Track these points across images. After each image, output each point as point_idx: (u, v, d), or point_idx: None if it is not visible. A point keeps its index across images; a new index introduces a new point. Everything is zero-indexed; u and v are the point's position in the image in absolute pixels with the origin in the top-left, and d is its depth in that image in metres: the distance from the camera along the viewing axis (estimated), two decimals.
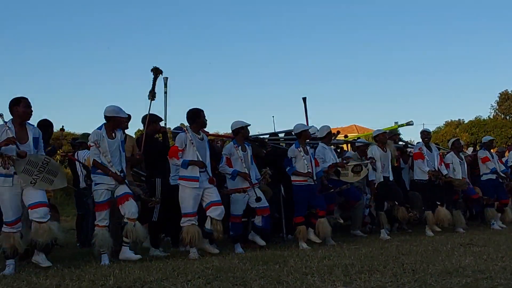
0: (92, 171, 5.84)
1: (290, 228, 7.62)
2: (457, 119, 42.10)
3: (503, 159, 10.67)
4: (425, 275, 4.32)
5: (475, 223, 9.70)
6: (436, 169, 8.42)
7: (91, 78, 61.68)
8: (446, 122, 42.48)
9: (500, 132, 36.42)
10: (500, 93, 43.43)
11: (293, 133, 7.60)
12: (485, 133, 31.00)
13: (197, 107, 6.39)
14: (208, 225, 6.12)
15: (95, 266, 5.31)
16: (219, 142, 9.26)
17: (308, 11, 67.30)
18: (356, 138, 10.85)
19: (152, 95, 6.70)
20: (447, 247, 6.21)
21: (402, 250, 6.10)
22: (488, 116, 42.07)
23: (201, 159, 6.10)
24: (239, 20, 68.99)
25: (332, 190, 7.58)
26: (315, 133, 8.25)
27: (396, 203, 8.12)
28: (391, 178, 8.20)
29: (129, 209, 5.69)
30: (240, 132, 6.83)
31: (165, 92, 7.47)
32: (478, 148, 12.60)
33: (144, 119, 6.67)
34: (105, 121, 5.86)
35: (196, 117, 6.31)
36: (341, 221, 7.98)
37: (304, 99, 9.51)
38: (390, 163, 8.30)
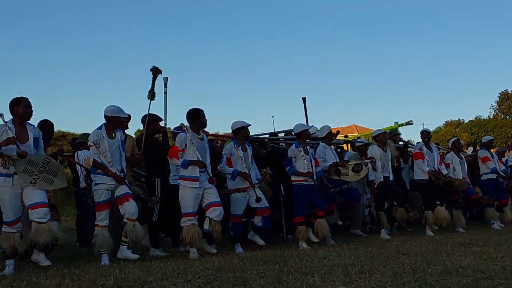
0: (92, 171, 5.84)
1: (290, 228, 7.62)
2: (457, 119, 42.24)
3: (503, 159, 10.66)
4: (425, 275, 4.32)
5: (475, 223, 9.70)
6: (436, 169, 8.42)
7: (91, 77, 61.78)
8: (446, 122, 42.62)
9: (500, 132, 36.46)
10: (500, 93, 43.54)
11: (293, 133, 7.61)
12: (485, 133, 31.04)
13: (197, 107, 6.40)
14: (206, 225, 6.12)
15: (95, 266, 5.31)
16: (219, 142, 9.27)
17: (308, 11, 67.38)
18: (356, 138, 10.85)
19: (151, 95, 6.70)
20: (447, 247, 6.21)
21: (402, 250, 6.10)
22: (488, 116, 42.16)
23: (201, 159, 6.10)
24: (239, 20, 69.11)
25: (332, 189, 7.58)
26: (315, 133, 8.26)
27: (395, 203, 8.12)
28: (391, 178, 8.20)
29: (129, 209, 5.69)
30: (240, 132, 6.83)
31: (165, 92, 7.47)
32: (478, 148, 12.59)
33: (143, 119, 6.67)
34: (105, 121, 5.86)
35: (196, 117, 6.31)
36: (340, 222, 7.97)
37: (304, 99, 9.51)
38: (390, 163, 8.30)
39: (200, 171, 6.09)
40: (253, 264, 5.11)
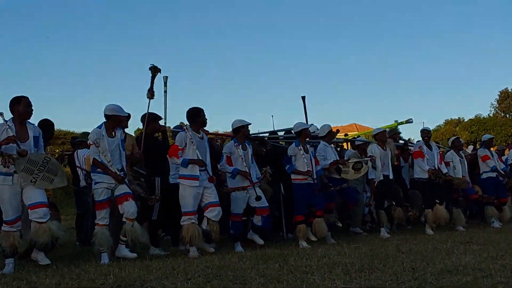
0: (92, 170, 5.84)
1: (290, 227, 7.62)
2: (457, 118, 42.19)
3: (503, 157, 10.67)
4: (425, 273, 4.32)
5: (475, 222, 9.71)
6: (436, 167, 8.41)
7: (91, 77, 61.77)
8: (446, 120, 42.59)
9: (500, 130, 36.45)
10: (500, 91, 43.49)
11: (293, 131, 7.61)
12: (485, 131, 31.00)
13: (197, 106, 6.40)
14: (204, 225, 6.13)
15: (95, 265, 5.31)
16: (218, 140, 9.27)
17: (307, 10, 67.33)
18: (356, 137, 10.86)
19: (151, 93, 6.70)
20: (447, 246, 6.21)
21: (402, 248, 6.10)
22: (488, 115, 42.15)
23: (201, 158, 6.10)
24: (239, 19, 69.03)
25: (332, 188, 7.59)
26: (314, 131, 8.26)
27: (394, 203, 8.13)
28: (391, 177, 8.20)
29: (128, 209, 5.69)
30: (240, 130, 6.83)
31: (165, 91, 7.47)
32: (478, 146, 12.59)
33: (143, 118, 6.67)
34: (105, 120, 5.86)
35: (196, 116, 6.32)
36: (340, 224, 7.98)
37: (303, 98, 9.51)
38: (390, 162, 8.30)
39: (200, 170, 6.09)
40: (253, 263, 5.11)
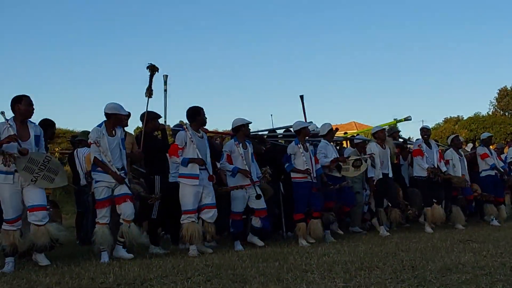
0: (93, 168, 5.84)
1: (290, 225, 7.63)
2: (456, 116, 42.13)
3: (502, 156, 10.67)
4: (425, 271, 4.33)
5: (474, 220, 9.72)
6: (436, 166, 8.42)
7: (91, 76, 61.73)
8: (445, 118, 42.49)
9: (499, 128, 36.39)
10: (499, 90, 43.41)
11: (292, 130, 7.61)
12: (484, 130, 31.02)
13: (197, 105, 6.40)
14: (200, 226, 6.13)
15: (95, 264, 5.32)
16: (217, 139, 9.27)
17: (306, 9, 67.26)
18: (355, 135, 10.87)
19: (149, 92, 6.69)
20: (446, 244, 6.23)
21: (402, 247, 6.12)
22: (487, 113, 42.06)
23: (201, 157, 6.11)
24: (238, 19, 68.97)
25: (332, 187, 7.59)
26: (314, 130, 8.26)
27: (389, 204, 8.14)
28: (390, 175, 8.22)
29: (125, 210, 5.70)
30: (241, 129, 6.83)
31: (165, 90, 7.47)
32: (477, 144, 12.59)
33: (142, 117, 6.67)
34: (105, 118, 5.86)
35: (196, 115, 6.32)
36: (341, 232, 7.99)
37: (301, 97, 9.52)
38: (389, 160, 8.31)
39: (200, 169, 6.09)
40: (253, 262, 5.12)
